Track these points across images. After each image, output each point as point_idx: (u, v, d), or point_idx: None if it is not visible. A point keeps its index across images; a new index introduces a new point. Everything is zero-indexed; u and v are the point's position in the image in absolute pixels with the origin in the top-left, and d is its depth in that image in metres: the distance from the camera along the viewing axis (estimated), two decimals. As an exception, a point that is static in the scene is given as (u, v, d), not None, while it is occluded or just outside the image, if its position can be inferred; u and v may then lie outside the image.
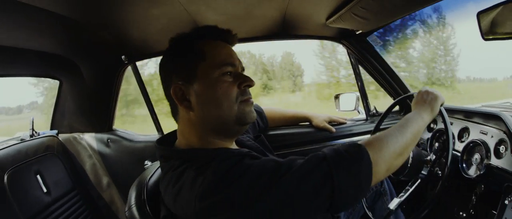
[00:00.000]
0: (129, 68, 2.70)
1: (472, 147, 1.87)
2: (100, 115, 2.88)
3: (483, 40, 1.57)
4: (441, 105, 1.67)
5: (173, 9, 1.83)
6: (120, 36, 2.20)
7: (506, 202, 1.53)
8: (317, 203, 1.08)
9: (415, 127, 1.42)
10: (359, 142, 1.23)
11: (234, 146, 1.43)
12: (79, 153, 2.84)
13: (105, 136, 2.91)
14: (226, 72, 1.27)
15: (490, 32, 1.53)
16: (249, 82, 1.30)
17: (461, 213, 1.83)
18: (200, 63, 1.26)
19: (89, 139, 2.91)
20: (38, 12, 1.64)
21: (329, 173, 1.09)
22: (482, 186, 1.73)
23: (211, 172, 1.08)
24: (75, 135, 2.88)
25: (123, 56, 2.53)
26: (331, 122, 2.61)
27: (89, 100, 2.83)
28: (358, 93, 2.73)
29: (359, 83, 2.80)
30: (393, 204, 1.79)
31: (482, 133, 1.88)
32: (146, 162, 2.75)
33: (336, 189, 1.08)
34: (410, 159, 1.75)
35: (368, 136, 2.24)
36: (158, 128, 2.89)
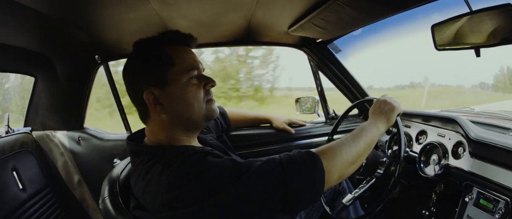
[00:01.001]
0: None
1: (429, 149, 1.92)
2: (72, 113, 2.79)
3: (436, 51, 1.64)
4: (398, 115, 1.67)
5: (148, 14, 1.83)
6: (95, 36, 2.16)
7: (467, 199, 1.59)
8: (272, 203, 1.12)
9: (369, 136, 1.44)
10: (313, 150, 1.26)
11: (196, 143, 1.45)
12: (51, 151, 2.75)
13: (76, 134, 2.80)
14: (193, 76, 1.31)
15: (442, 43, 1.60)
16: (212, 83, 1.35)
17: (423, 211, 1.88)
18: (170, 69, 1.27)
19: (61, 136, 2.80)
20: (16, 8, 1.62)
21: (283, 177, 1.13)
22: (442, 185, 1.78)
23: (177, 166, 1.11)
24: (48, 132, 2.78)
25: (96, 56, 2.48)
26: (291, 124, 2.61)
27: (62, 98, 2.74)
28: (318, 97, 2.77)
29: (318, 88, 2.83)
30: (347, 199, 1.87)
31: (440, 135, 1.95)
32: (115, 160, 2.66)
33: (288, 192, 1.12)
34: (365, 159, 1.79)
35: (326, 138, 2.26)
36: (127, 126, 2.82)
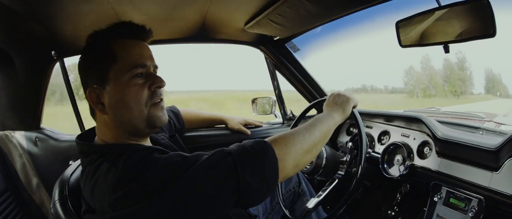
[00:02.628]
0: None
1: (393, 149, 1.86)
2: (29, 112, 2.52)
3: (400, 48, 1.55)
4: (354, 107, 1.62)
5: (101, 7, 1.71)
6: (52, 30, 1.97)
7: (435, 199, 1.54)
8: (224, 196, 1.04)
9: (325, 126, 1.37)
10: (265, 139, 1.18)
11: (148, 143, 1.34)
12: (10, 152, 2.46)
13: (33, 135, 2.53)
14: (137, 74, 1.17)
15: (408, 40, 1.52)
16: (159, 83, 1.20)
17: (389, 212, 1.81)
18: (111, 65, 1.15)
19: (20, 137, 2.49)
20: None
21: (233, 167, 1.05)
22: (408, 185, 1.72)
23: (122, 164, 1.03)
24: (7, 132, 2.48)
25: (53, 52, 2.26)
26: (247, 125, 2.49)
27: (19, 96, 2.46)
28: (275, 98, 2.66)
29: (276, 88, 2.73)
30: (312, 203, 1.75)
31: (404, 135, 1.89)
32: (70, 162, 2.38)
33: (241, 183, 1.04)
34: (324, 160, 1.70)
35: None
36: (81, 126, 2.59)
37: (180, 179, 1.00)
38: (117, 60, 1.15)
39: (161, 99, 1.24)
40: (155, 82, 1.19)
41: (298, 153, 1.20)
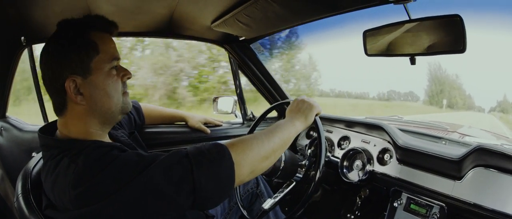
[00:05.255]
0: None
1: (352, 154, 1.87)
2: None
3: (366, 56, 1.57)
4: (317, 115, 1.60)
5: None
6: (22, 15, 1.83)
7: (396, 204, 1.57)
8: (180, 198, 1.04)
9: (285, 133, 1.36)
10: (223, 142, 1.18)
11: (107, 139, 1.33)
12: None
13: None
14: (114, 66, 1.20)
15: (374, 49, 1.54)
16: (129, 75, 1.27)
17: (349, 215, 1.83)
18: (94, 57, 1.15)
19: None
20: None
21: (190, 169, 1.05)
22: (367, 190, 1.76)
23: (82, 160, 1.02)
24: None
25: (22, 38, 2.08)
26: (206, 124, 2.44)
27: None
28: (236, 97, 2.62)
29: (237, 88, 2.68)
30: (267, 204, 1.75)
31: (364, 141, 1.90)
32: (33, 154, 2.24)
33: (196, 185, 1.04)
34: (283, 163, 1.68)
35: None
36: (45, 117, 2.39)
37: (136, 178, 0.99)
38: (99, 52, 1.16)
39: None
40: (126, 74, 1.25)
41: (256, 159, 1.20)
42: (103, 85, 1.17)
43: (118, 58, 1.22)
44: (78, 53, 1.14)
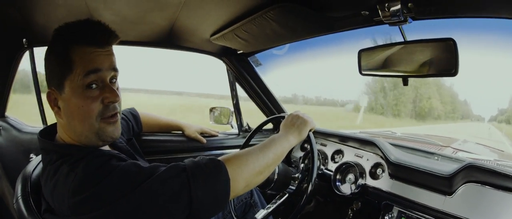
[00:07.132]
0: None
1: (345, 168, 1.89)
2: None
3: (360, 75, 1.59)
4: (311, 130, 1.61)
5: (76, 1, 1.64)
6: (25, 17, 1.85)
7: (387, 218, 1.59)
8: (177, 209, 1.04)
9: (279, 148, 1.37)
10: (219, 158, 1.18)
11: (107, 147, 1.30)
12: None
13: None
14: (91, 85, 1.10)
15: (368, 68, 1.56)
16: (112, 98, 1.14)
17: None
18: (68, 75, 1.08)
19: None
20: None
21: (187, 183, 1.05)
22: (359, 203, 1.76)
23: (81, 169, 1.01)
24: None
25: (24, 40, 2.10)
26: (203, 133, 2.48)
27: None
28: (233, 108, 2.64)
29: (234, 99, 2.72)
30: (260, 214, 1.75)
31: (357, 156, 1.93)
32: (31, 155, 2.26)
33: (193, 199, 1.05)
34: (276, 175, 1.69)
35: (237, 150, 2.16)
36: (44, 120, 2.42)
37: (135, 190, 0.99)
38: (72, 70, 1.08)
39: (115, 114, 1.18)
40: (108, 97, 1.13)
41: (250, 174, 1.21)
42: (74, 106, 1.11)
43: (97, 72, 1.11)
44: (55, 67, 1.12)
